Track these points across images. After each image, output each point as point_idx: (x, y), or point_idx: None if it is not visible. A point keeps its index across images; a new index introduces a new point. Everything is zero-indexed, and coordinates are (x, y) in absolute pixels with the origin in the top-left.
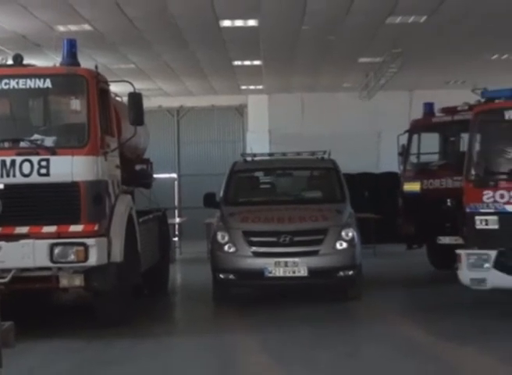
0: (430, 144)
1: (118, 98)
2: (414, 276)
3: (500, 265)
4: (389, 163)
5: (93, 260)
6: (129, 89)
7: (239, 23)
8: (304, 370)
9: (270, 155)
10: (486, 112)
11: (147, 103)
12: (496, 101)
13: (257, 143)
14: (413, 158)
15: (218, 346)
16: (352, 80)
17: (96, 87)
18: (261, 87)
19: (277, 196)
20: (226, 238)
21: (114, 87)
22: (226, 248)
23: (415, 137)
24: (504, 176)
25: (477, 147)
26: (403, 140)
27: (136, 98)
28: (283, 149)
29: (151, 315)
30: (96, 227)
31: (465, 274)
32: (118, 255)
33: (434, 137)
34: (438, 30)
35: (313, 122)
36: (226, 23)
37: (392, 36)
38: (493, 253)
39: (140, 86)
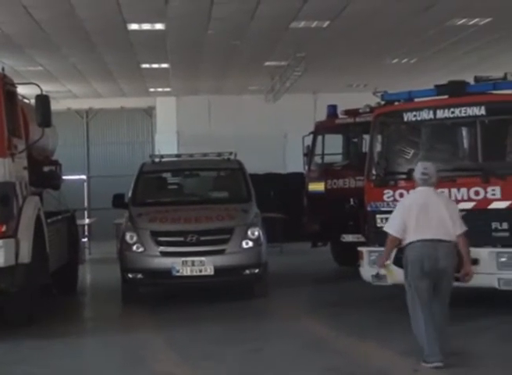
0: (334, 145)
1: (26, 100)
2: (318, 273)
3: (399, 261)
4: (295, 164)
5: (0, 261)
6: (37, 91)
7: (146, 26)
8: (211, 366)
9: (178, 156)
10: (386, 114)
11: (56, 105)
12: (396, 103)
13: (166, 144)
14: (317, 159)
15: (127, 345)
16: (258, 83)
17: (2, 89)
18: (169, 89)
19: (184, 196)
20: (135, 238)
21: (22, 90)
22: (135, 247)
23: (319, 138)
24: (403, 176)
25: (377, 148)
26: (308, 141)
27: (43, 100)
28: (191, 150)
29: (59, 315)
30: (3, 228)
31: (367, 271)
32: (26, 255)
33: (337, 138)
34: (340, 35)
35: (220, 123)
36: (134, 26)
37: (296, 40)
38: (394, 250)
39: (48, 88)
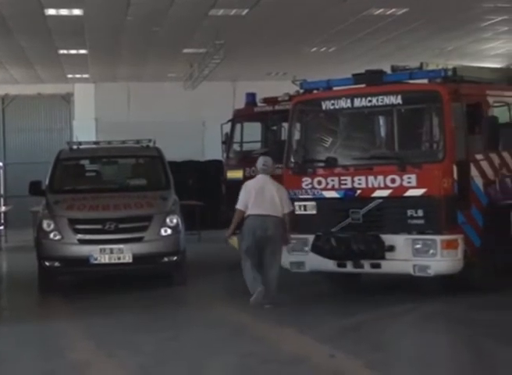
0: (252, 133)
1: None
2: (236, 260)
3: (317, 248)
4: (214, 151)
5: None
6: None
7: (64, 11)
8: (128, 354)
9: (96, 143)
10: (304, 102)
11: None
12: (314, 91)
13: (84, 131)
14: (236, 147)
15: (44, 334)
16: (177, 70)
17: None
18: (87, 75)
19: (102, 184)
20: (52, 226)
21: None
22: (52, 235)
23: (238, 126)
24: (321, 164)
25: (296, 135)
26: (227, 129)
27: None
28: (110, 137)
29: None
30: None
31: (285, 258)
32: None
33: (256, 126)
34: (259, 23)
35: (139, 111)
36: (51, 11)
37: (215, 28)
38: (311, 237)
39: None
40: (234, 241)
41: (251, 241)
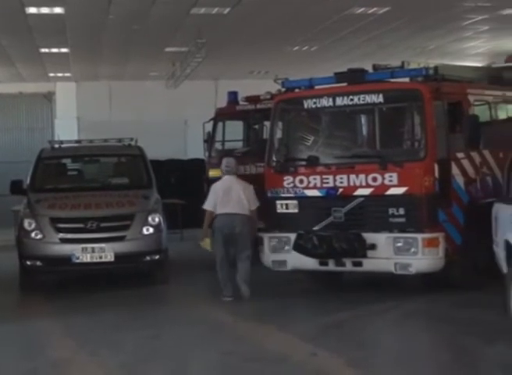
0: (234, 132)
1: None
2: None
3: (299, 247)
4: (196, 150)
5: None
6: None
7: (45, 10)
8: (109, 353)
9: (77, 142)
10: (286, 100)
11: None
12: (296, 90)
13: (66, 130)
14: (218, 146)
15: (25, 333)
16: (159, 69)
17: None
18: (69, 74)
19: (84, 183)
20: (33, 225)
21: None
22: (33, 234)
23: (220, 124)
24: (303, 162)
25: (278, 134)
26: (209, 127)
27: None
28: (92, 136)
29: None
30: None
31: (267, 256)
32: None
33: (238, 125)
34: (241, 21)
35: (121, 109)
36: (32, 9)
37: (197, 26)
38: (293, 236)
39: None
40: (206, 242)
41: (221, 240)
